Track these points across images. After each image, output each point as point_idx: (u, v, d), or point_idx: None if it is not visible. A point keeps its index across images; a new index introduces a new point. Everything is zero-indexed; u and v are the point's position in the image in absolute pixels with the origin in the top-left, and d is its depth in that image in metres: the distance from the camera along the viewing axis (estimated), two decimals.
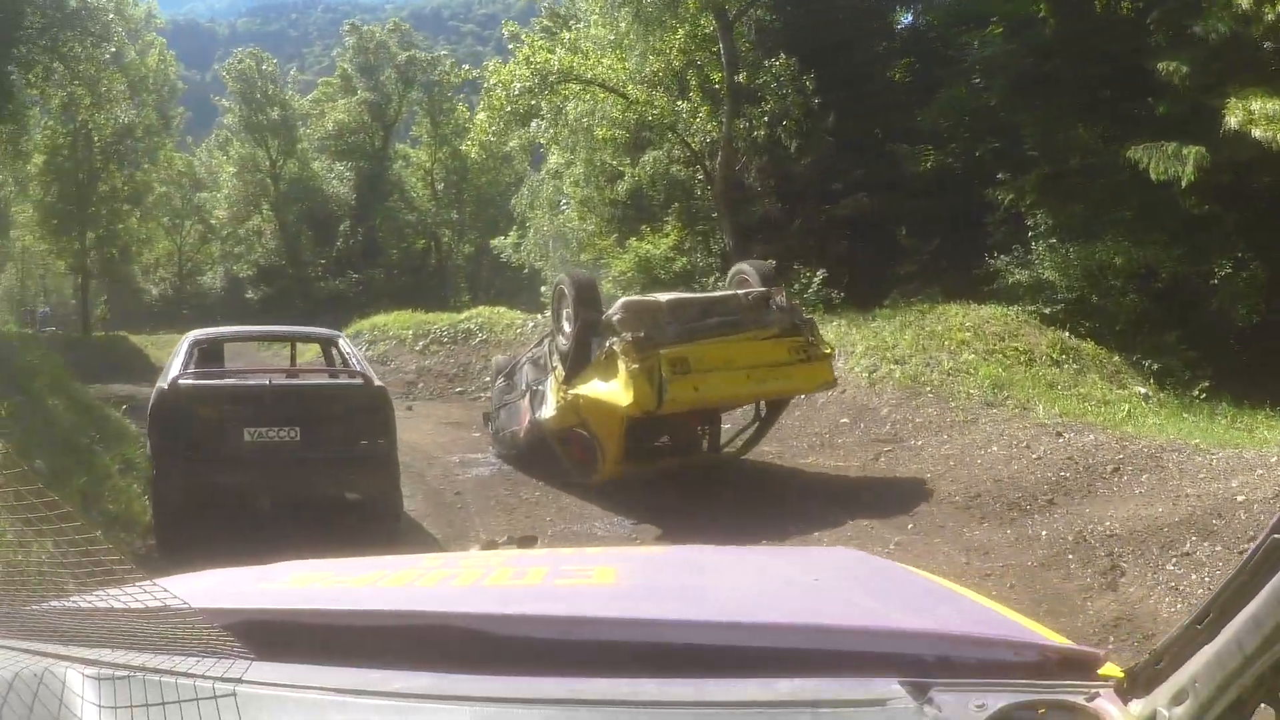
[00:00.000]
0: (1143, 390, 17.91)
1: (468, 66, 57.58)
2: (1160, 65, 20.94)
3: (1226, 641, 1.38)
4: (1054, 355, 18.78)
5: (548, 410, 14.04)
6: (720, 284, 24.19)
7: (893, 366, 17.86)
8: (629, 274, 31.44)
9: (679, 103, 31.46)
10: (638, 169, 34.07)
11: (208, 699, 1.65)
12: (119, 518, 11.38)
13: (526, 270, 47.89)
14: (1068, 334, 20.32)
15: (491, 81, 34.16)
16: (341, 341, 13.35)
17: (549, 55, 32.56)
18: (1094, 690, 1.62)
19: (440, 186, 77.08)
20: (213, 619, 1.90)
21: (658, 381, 11.87)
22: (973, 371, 17.07)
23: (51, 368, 19.06)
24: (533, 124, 37.02)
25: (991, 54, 25.29)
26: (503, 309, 35.12)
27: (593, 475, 13.86)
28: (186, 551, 8.99)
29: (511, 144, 41.26)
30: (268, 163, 75.79)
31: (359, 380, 11.47)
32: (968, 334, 19.22)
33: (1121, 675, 1.65)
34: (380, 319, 36.91)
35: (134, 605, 1.92)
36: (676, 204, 33.77)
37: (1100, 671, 1.71)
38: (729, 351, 12.61)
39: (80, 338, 55.53)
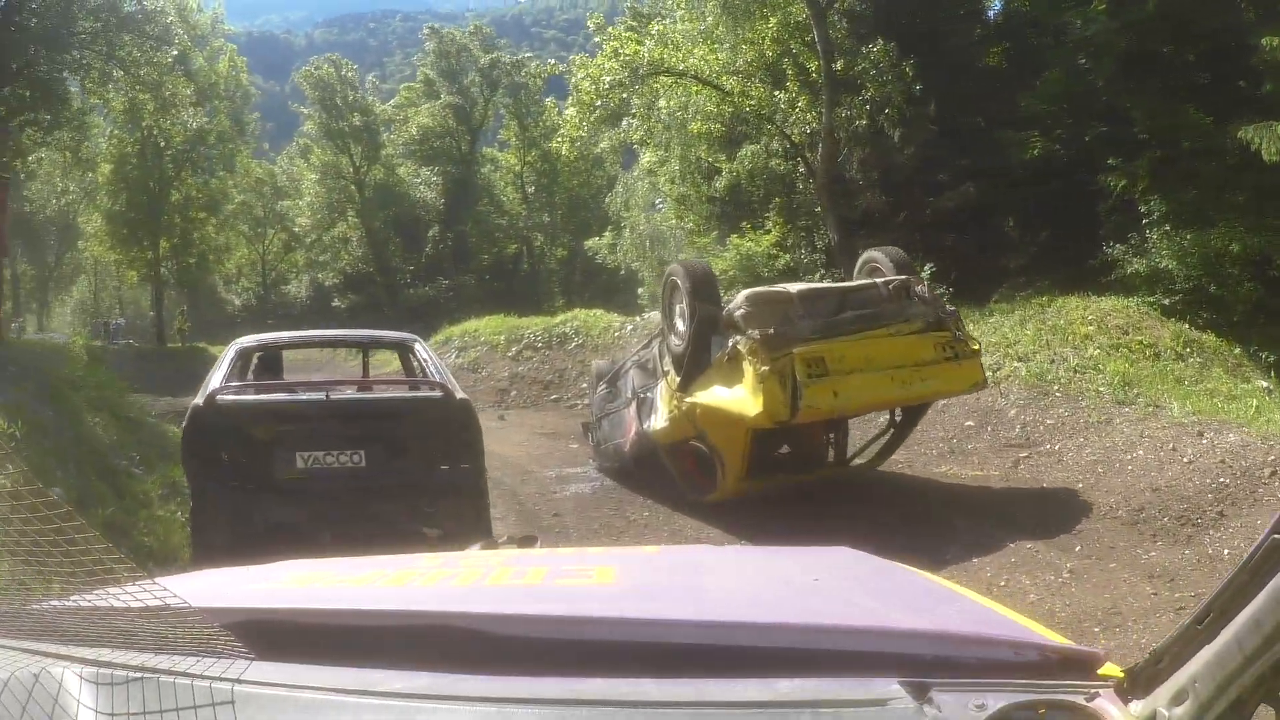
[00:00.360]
0: (1264, 384, 17.21)
1: (554, 61, 57.18)
2: (1265, 41, 20.26)
3: (1226, 641, 1.41)
4: (1177, 349, 18.00)
5: (658, 420, 12.85)
6: (829, 280, 23.73)
7: (1016, 364, 17.22)
8: (730, 272, 31.01)
9: (776, 93, 31.08)
10: (735, 164, 33.73)
11: (206, 699, 1.65)
12: (154, 551, 10.53)
13: (623, 271, 47.69)
14: (1187, 325, 19.57)
15: (579, 75, 33.84)
16: (419, 347, 11.48)
17: (637, 47, 32.30)
18: (1094, 690, 1.65)
19: (531, 190, 77.63)
20: (213, 619, 1.91)
21: (791, 386, 10.47)
22: (1100, 368, 16.40)
23: (98, 381, 17.83)
24: (623, 122, 36.73)
25: (1095, 33, 24.61)
26: (599, 311, 34.80)
27: (710, 493, 12.66)
28: None
29: (602, 145, 40.90)
30: (351, 169, 76.82)
31: (438, 392, 9.69)
32: (1091, 328, 18.63)
33: (1121, 675, 1.68)
34: (471, 324, 36.81)
35: (134, 605, 1.91)
36: (777, 199, 33.34)
37: (1100, 671, 1.73)
38: (870, 349, 11.14)
39: (154, 349, 56.15)
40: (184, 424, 9.37)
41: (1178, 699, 1.47)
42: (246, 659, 1.79)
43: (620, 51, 32.25)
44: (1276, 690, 1.38)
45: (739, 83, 31.47)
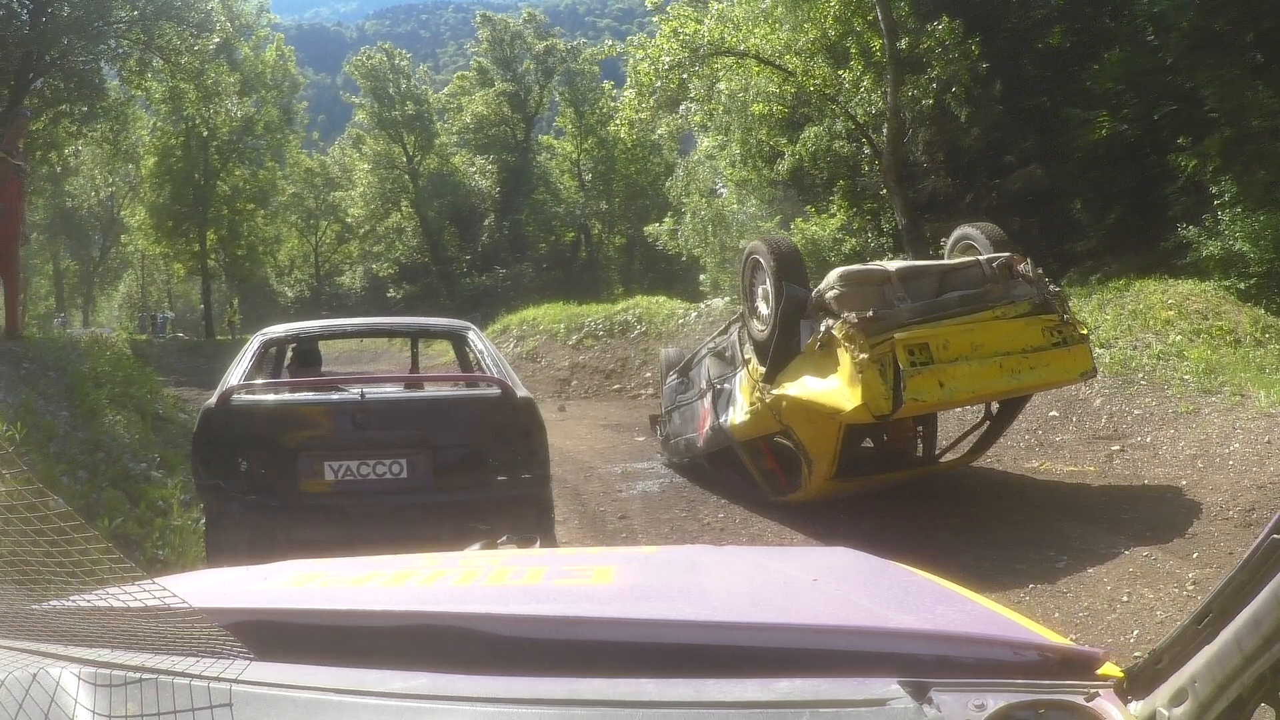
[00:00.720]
0: None
1: (611, 42, 56.52)
2: None
3: (1226, 641, 1.42)
4: (1256, 335, 17.31)
5: (737, 413, 11.75)
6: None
7: (1099, 350, 16.46)
8: None
9: (840, 73, 30.78)
10: (799, 146, 33.38)
11: (204, 699, 1.68)
12: (169, 564, 9.51)
13: (684, 257, 47.41)
14: (1263, 310, 19.06)
15: (638, 56, 33.60)
16: (473, 336, 9.87)
17: (697, 26, 32.08)
18: (1094, 690, 1.65)
19: (588, 177, 77.49)
20: (212, 619, 1.94)
21: (893, 375, 9.47)
22: (1183, 354, 16.03)
23: (126, 376, 16.51)
24: (681, 107, 36.47)
25: (1163, 10, 24.10)
26: (662, 298, 34.66)
27: (792, 493, 11.66)
28: None
29: (660, 131, 40.51)
30: (404, 158, 77.18)
31: (495, 390, 8.29)
32: (1171, 313, 18.14)
33: (1121, 675, 1.69)
34: (530, 313, 36.78)
35: (133, 605, 1.94)
36: (841, 182, 33.03)
37: (1100, 671, 1.74)
38: (976, 335, 10.07)
39: (202, 342, 56.72)
40: (194, 428, 8.18)
41: (1177, 699, 1.50)
42: (245, 659, 1.84)
43: (680, 31, 32.02)
44: (1276, 690, 1.40)
45: (802, 62, 31.16)
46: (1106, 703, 1.60)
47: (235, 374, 8.44)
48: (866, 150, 32.08)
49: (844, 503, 11.58)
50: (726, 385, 12.41)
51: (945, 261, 12.01)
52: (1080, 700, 1.61)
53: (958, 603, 2.37)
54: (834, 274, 10.46)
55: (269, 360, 10.56)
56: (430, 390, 10.28)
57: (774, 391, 10.69)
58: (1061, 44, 29.42)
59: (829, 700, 1.63)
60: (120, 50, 38.78)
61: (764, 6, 32.17)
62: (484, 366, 9.14)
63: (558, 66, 77.64)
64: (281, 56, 70.01)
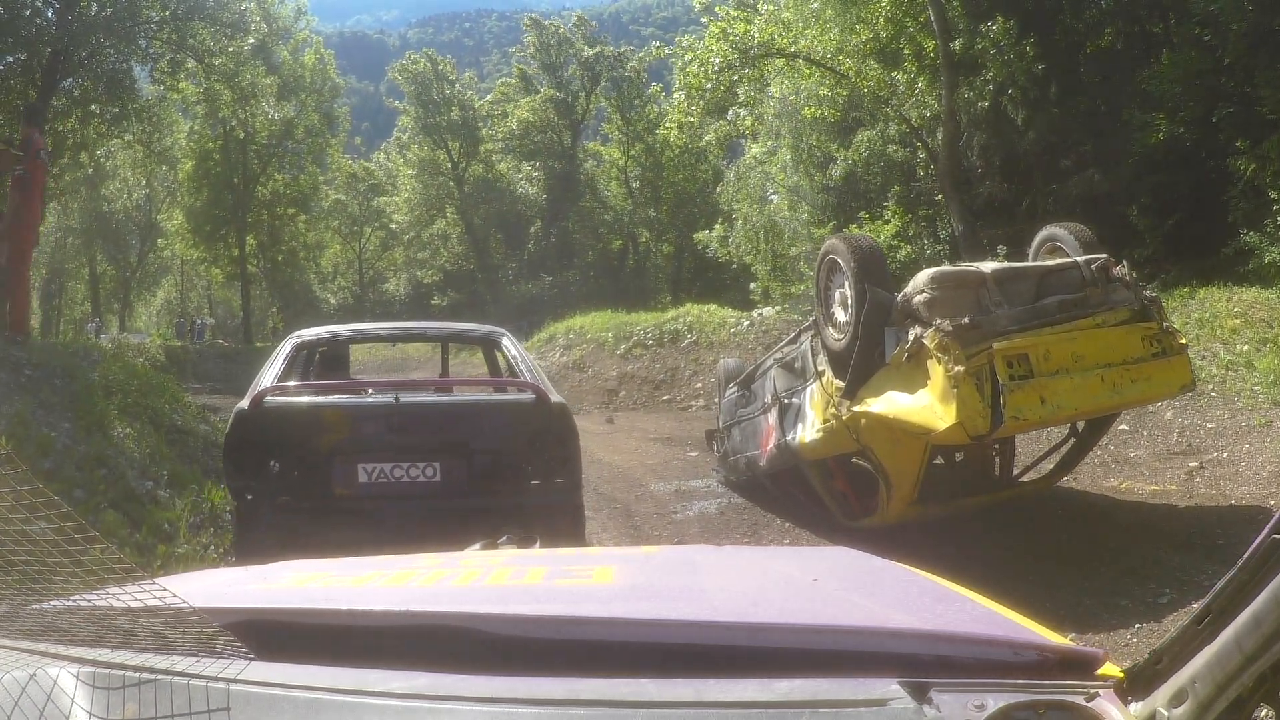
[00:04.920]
0: None
1: (659, 44, 56.14)
2: None
3: (1226, 641, 1.44)
4: None
5: (807, 430, 10.90)
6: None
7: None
8: None
9: (894, 74, 30.77)
10: (851, 151, 33.20)
11: (204, 699, 1.70)
12: None
13: (734, 265, 47.21)
14: None
15: (686, 58, 33.55)
16: (506, 342, 9.95)
17: (747, 27, 32.15)
18: (1093, 690, 1.67)
19: (636, 184, 77.22)
20: (212, 619, 1.96)
21: (991, 390, 8.60)
22: (1250, 365, 15.79)
23: (141, 385, 15.69)
24: (730, 113, 36.39)
25: (1219, 8, 23.81)
26: (713, 307, 34.57)
27: (866, 518, 10.85)
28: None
29: (707, 138, 40.44)
30: (449, 165, 77.32)
31: (529, 395, 8.40)
32: (1236, 321, 17.90)
33: (1121, 675, 1.71)
34: (577, 321, 36.80)
35: (133, 604, 1.97)
36: (895, 188, 32.78)
37: (1100, 671, 1.76)
38: (1077, 344, 9.16)
39: (241, 348, 57.07)
40: (226, 430, 8.21)
41: (1177, 699, 1.52)
42: (245, 659, 1.86)
43: (729, 32, 32.03)
44: (1276, 690, 1.43)
45: (854, 64, 31.12)
46: (1106, 703, 1.63)
47: (269, 375, 8.56)
48: (921, 155, 31.98)
49: (921, 529, 10.69)
50: (795, 399, 11.59)
51: (1042, 263, 10.97)
52: (1080, 700, 1.64)
53: (958, 602, 2.40)
54: (923, 276, 9.64)
55: (301, 363, 10.68)
56: (466, 395, 10.70)
57: (856, 408, 9.81)
58: (1113, 45, 29.15)
59: (829, 700, 1.66)
60: (151, 51, 38.79)
61: (814, 8, 32.05)
62: (518, 372, 9.32)
63: (605, 73, 77.58)
64: (321, 60, 70.52)
